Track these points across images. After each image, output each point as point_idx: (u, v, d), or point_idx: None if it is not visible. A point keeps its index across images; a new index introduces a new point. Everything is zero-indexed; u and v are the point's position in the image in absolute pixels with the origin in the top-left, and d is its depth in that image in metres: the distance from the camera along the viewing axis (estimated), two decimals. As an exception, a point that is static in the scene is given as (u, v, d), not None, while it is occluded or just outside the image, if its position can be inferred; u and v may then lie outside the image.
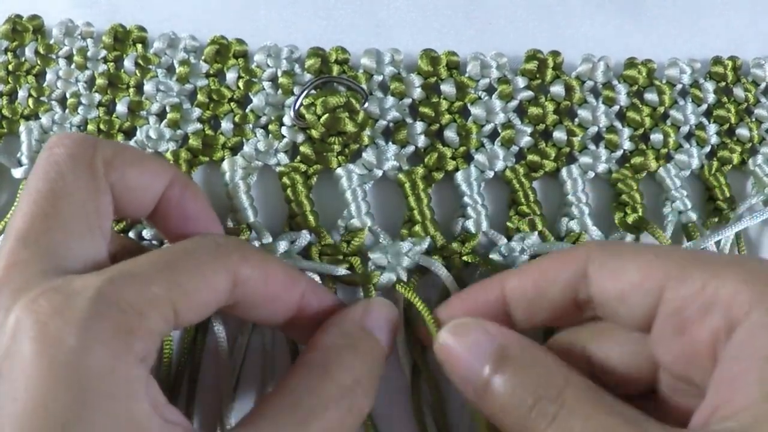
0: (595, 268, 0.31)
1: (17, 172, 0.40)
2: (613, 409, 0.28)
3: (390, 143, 0.40)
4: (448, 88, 0.41)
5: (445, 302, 0.35)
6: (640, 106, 0.42)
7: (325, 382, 0.30)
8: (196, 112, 0.40)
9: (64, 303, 0.25)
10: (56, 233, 0.28)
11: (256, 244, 0.38)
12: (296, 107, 0.39)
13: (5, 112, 0.41)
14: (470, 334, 0.32)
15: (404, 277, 0.37)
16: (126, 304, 0.26)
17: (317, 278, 0.37)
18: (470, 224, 0.39)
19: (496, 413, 0.30)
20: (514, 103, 0.41)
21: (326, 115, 0.38)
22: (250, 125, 0.40)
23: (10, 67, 0.42)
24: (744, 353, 0.26)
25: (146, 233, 0.38)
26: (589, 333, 0.33)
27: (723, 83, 0.44)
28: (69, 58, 0.42)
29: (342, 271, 0.37)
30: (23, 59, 0.42)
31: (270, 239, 0.38)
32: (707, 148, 0.43)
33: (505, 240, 0.39)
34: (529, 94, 0.41)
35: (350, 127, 0.39)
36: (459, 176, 0.40)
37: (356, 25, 0.43)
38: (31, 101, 0.41)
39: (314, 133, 0.39)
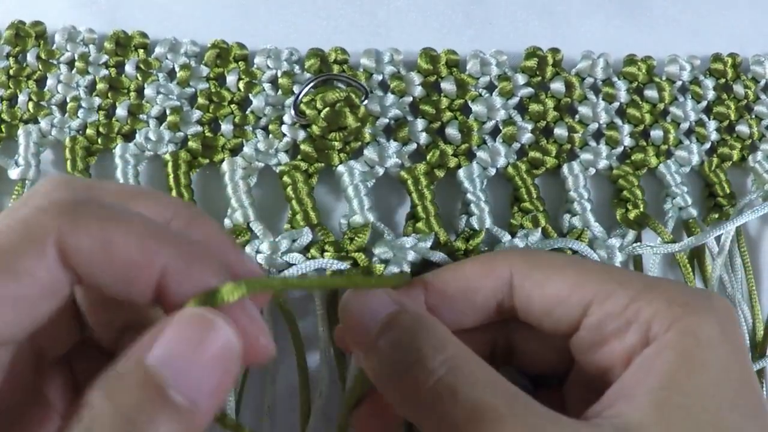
0: (520, 279, 0.32)
1: (14, 173, 0.40)
2: (499, 380, 0.28)
3: (391, 141, 0.40)
4: (448, 86, 0.41)
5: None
6: (640, 102, 0.42)
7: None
8: (196, 114, 0.40)
9: None
10: None
11: (257, 243, 0.38)
12: (296, 103, 0.39)
13: (5, 116, 0.41)
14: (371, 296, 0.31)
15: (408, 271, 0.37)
16: None
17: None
18: (474, 221, 0.39)
19: (379, 370, 0.30)
20: (514, 100, 0.41)
21: (327, 109, 0.39)
22: (251, 126, 0.40)
23: (12, 72, 0.42)
24: (647, 365, 0.28)
25: None
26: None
27: (723, 80, 0.44)
28: (70, 63, 0.42)
29: (345, 266, 0.37)
30: (25, 64, 0.42)
31: (271, 238, 0.38)
32: (707, 145, 0.43)
33: (509, 236, 0.39)
34: (529, 91, 0.41)
35: (351, 121, 0.39)
36: (461, 173, 0.40)
37: (356, 25, 0.43)
38: (31, 105, 0.41)
39: (315, 129, 0.39)
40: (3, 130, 0.41)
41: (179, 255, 0.24)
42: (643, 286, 0.30)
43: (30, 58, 0.42)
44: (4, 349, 0.24)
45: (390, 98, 0.40)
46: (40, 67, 0.42)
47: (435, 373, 0.28)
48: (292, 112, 0.39)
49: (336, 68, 0.41)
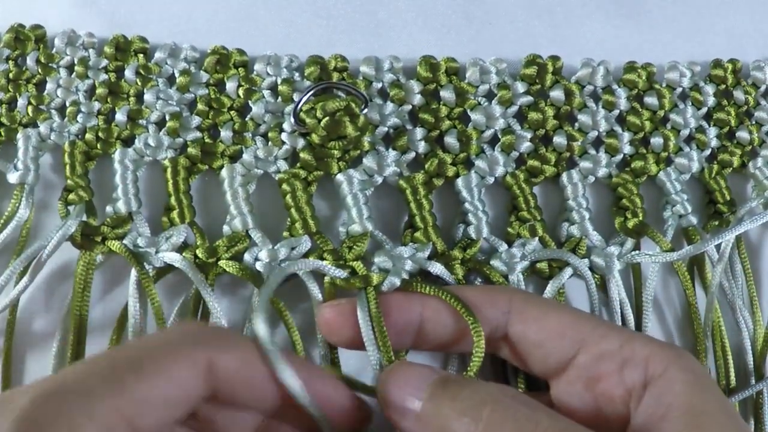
0: (517, 312, 0.34)
1: (12, 177, 0.40)
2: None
3: (390, 149, 0.40)
4: (447, 94, 0.41)
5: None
6: (640, 110, 0.42)
7: None
8: (196, 120, 0.40)
9: None
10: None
11: (255, 251, 0.38)
12: (296, 111, 0.39)
13: (4, 119, 0.41)
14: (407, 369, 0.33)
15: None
16: (46, 422, 0.25)
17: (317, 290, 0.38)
18: (471, 230, 0.39)
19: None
20: (513, 109, 0.41)
21: (326, 119, 0.38)
22: (250, 133, 0.40)
23: (11, 76, 0.42)
24: (662, 398, 0.30)
25: (141, 241, 0.38)
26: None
27: (723, 86, 0.43)
28: (70, 67, 0.42)
29: (344, 274, 0.37)
30: (24, 68, 0.42)
31: (270, 246, 0.38)
32: (707, 152, 0.43)
33: (506, 246, 0.39)
34: (528, 99, 0.41)
35: (351, 131, 0.39)
36: (459, 182, 0.40)
37: (356, 26, 0.43)
38: (30, 109, 0.41)
39: (314, 138, 0.39)
40: (2, 133, 0.41)
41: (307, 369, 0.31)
42: (630, 332, 0.34)
43: (29, 61, 0.42)
44: None
45: (389, 107, 0.40)
46: (40, 70, 0.42)
47: None
48: (292, 120, 0.39)
49: (336, 76, 0.41)
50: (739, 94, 0.44)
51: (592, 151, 0.41)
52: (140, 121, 0.41)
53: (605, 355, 0.32)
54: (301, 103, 0.39)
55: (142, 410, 0.26)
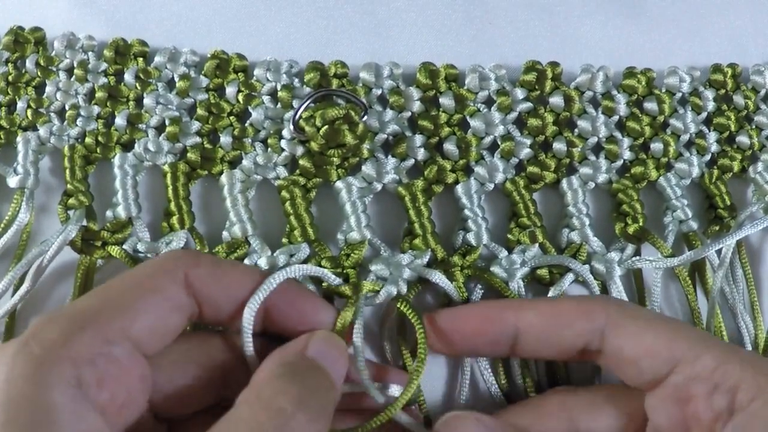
0: (613, 326, 0.34)
1: (12, 181, 0.40)
2: None
3: (389, 156, 0.40)
4: (447, 101, 0.41)
5: (452, 311, 0.37)
6: (640, 115, 0.42)
7: (257, 411, 0.29)
8: (195, 125, 0.40)
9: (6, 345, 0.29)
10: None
11: (255, 257, 0.38)
12: (295, 119, 0.39)
13: (3, 122, 0.41)
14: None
15: (404, 289, 0.37)
16: (45, 338, 0.28)
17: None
18: (471, 237, 0.39)
19: None
20: (513, 115, 0.41)
21: (326, 127, 0.38)
22: (249, 139, 0.40)
23: (10, 78, 0.42)
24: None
25: (141, 246, 0.38)
26: (583, 401, 0.35)
27: (723, 91, 0.43)
28: (69, 70, 0.42)
29: (337, 280, 0.37)
30: (24, 71, 0.42)
31: (269, 253, 0.38)
32: (707, 157, 0.43)
33: (506, 252, 0.39)
34: (528, 105, 0.41)
35: (350, 139, 0.39)
36: (459, 189, 0.40)
37: (356, 25, 0.42)
38: (29, 112, 0.41)
39: (314, 146, 0.39)
40: (2, 136, 0.41)
41: (282, 289, 0.34)
42: (727, 350, 0.32)
43: (29, 64, 0.42)
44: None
45: (389, 114, 0.40)
46: (39, 73, 0.42)
47: None
48: (291, 127, 0.39)
49: (335, 82, 0.41)
50: (738, 99, 0.43)
51: (592, 157, 0.41)
52: (140, 126, 0.41)
53: (698, 377, 0.32)
54: (301, 111, 0.39)
55: (141, 325, 0.30)
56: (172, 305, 0.32)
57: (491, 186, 0.40)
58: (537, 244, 0.39)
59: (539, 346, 0.35)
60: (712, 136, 0.43)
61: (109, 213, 0.39)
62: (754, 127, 0.44)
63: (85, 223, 0.39)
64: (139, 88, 0.41)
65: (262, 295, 0.34)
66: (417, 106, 0.40)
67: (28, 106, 0.41)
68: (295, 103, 0.40)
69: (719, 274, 0.40)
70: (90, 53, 0.42)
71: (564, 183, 0.41)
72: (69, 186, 0.39)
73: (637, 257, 0.40)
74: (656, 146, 0.42)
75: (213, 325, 0.36)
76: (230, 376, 0.34)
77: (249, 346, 0.34)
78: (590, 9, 0.44)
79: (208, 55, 0.41)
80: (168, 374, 0.32)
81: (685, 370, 0.32)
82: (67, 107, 0.41)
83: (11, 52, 0.42)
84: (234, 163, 0.40)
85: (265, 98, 0.41)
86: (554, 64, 0.41)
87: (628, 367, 0.34)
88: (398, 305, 0.37)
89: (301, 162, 0.40)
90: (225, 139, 0.40)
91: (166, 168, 0.40)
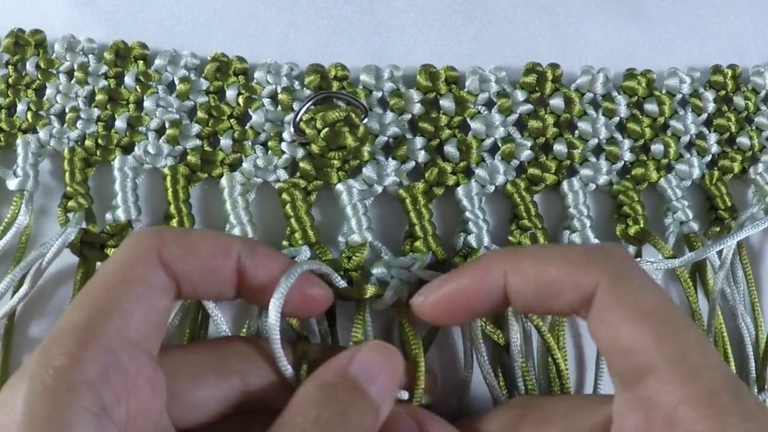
0: (597, 309, 0.30)
1: (12, 184, 0.40)
2: None
3: (390, 159, 0.40)
4: (447, 103, 0.41)
5: (437, 288, 0.34)
6: (640, 116, 0.42)
7: None
8: (195, 128, 0.40)
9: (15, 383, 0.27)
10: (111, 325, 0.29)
11: None
12: (296, 121, 0.39)
13: (3, 125, 0.41)
14: None
15: (406, 292, 0.37)
16: (53, 366, 0.27)
17: None
18: (472, 239, 0.39)
19: None
20: (513, 117, 0.41)
21: (326, 130, 0.38)
22: (250, 142, 0.40)
23: (11, 81, 0.42)
24: None
25: None
26: (537, 414, 0.33)
27: (723, 92, 0.43)
28: (70, 73, 0.42)
29: (342, 283, 0.37)
30: (24, 73, 0.42)
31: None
32: (708, 158, 0.43)
33: (507, 254, 0.39)
34: (528, 107, 0.41)
35: (350, 142, 0.39)
36: (460, 191, 0.40)
37: (356, 26, 0.43)
38: (29, 115, 0.41)
39: (314, 148, 0.39)
40: (1, 139, 0.41)
41: (249, 246, 0.33)
42: (698, 364, 0.28)
43: (29, 66, 0.42)
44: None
45: (389, 116, 0.40)
46: (39, 76, 0.42)
47: None
48: (292, 130, 0.39)
49: (336, 84, 0.41)
50: (739, 100, 0.44)
51: (593, 159, 0.41)
52: (140, 128, 0.41)
53: (660, 403, 0.28)
54: (301, 113, 0.39)
55: (131, 318, 0.29)
56: (157, 291, 0.30)
57: (492, 188, 0.40)
58: (538, 246, 0.39)
59: (530, 308, 0.33)
60: (713, 138, 0.43)
61: (108, 216, 0.39)
62: (754, 128, 0.44)
63: (84, 225, 0.39)
64: (139, 90, 0.41)
65: (281, 295, 0.32)
66: (417, 108, 0.41)
67: (28, 109, 0.41)
68: (296, 106, 0.40)
69: (720, 275, 0.40)
70: (90, 56, 0.42)
71: (565, 185, 0.41)
72: (68, 188, 0.39)
73: (638, 258, 0.40)
74: (657, 147, 0.42)
75: (192, 300, 0.37)
76: (250, 382, 0.33)
77: (277, 343, 0.32)
78: (590, 9, 0.44)
79: (209, 58, 0.41)
80: (186, 386, 0.31)
81: (660, 377, 0.28)
82: (67, 110, 0.41)
83: (11, 54, 0.42)
84: (234, 166, 0.40)
85: (266, 101, 0.41)
86: (554, 66, 0.42)
87: (605, 355, 0.30)
88: (401, 321, 0.36)
89: (301, 164, 0.40)
90: (225, 141, 0.40)
91: (166, 171, 0.40)
